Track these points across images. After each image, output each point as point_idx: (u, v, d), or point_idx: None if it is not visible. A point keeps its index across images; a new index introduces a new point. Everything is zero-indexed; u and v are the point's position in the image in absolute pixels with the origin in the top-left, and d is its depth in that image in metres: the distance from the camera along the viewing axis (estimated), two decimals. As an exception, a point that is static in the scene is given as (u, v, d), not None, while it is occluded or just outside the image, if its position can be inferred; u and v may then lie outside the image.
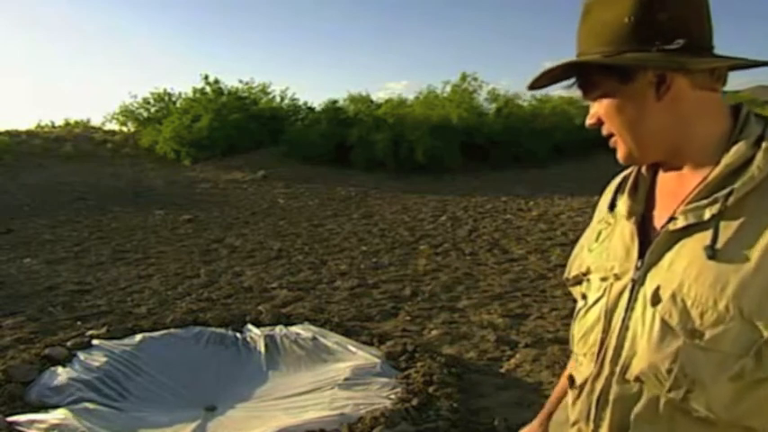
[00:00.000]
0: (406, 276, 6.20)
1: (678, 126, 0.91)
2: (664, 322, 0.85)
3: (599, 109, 0.93)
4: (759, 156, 0.83)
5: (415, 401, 3.17)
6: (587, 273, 1.04)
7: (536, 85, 0.95)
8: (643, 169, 1.01)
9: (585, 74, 0.92)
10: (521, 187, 13.01)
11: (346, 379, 3.50)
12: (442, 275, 6.20)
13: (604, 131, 0.95)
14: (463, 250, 7.41)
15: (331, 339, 4.08)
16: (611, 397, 0.90)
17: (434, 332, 4.47)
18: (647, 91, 0.89)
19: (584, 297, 1.02)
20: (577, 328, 1.02)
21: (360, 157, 15.79)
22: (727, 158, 0.85)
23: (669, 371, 0.83)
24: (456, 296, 5.46)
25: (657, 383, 0.85)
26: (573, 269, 1.12)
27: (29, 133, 19.02)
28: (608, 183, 1.11)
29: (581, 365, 0.99)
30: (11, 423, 2.97)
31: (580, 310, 1.02)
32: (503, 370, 3.81)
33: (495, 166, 15.82)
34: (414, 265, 6.70)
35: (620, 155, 0.95)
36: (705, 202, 0.85)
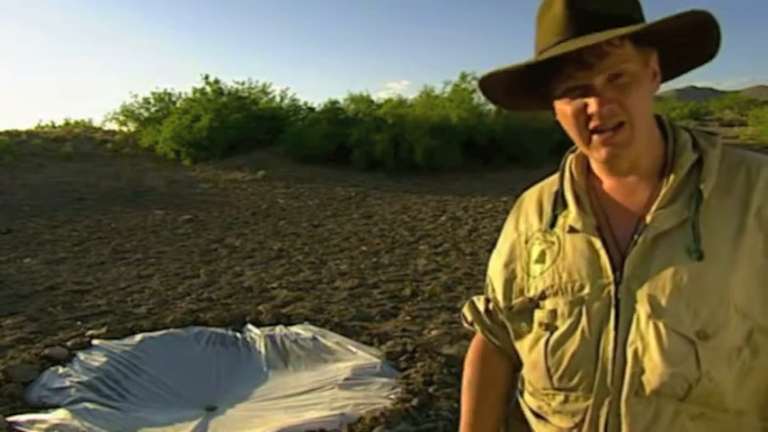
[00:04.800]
0: (406, 276, 6.20)
1: (652, 123, 0.92)
2: (672, 331, 0.82)
3: (615, 92, 0.84)
4: (710, 159, 0.87)
5: (415, 401, 3.17)
6: (542, 298, 0.94)
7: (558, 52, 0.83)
8: (578, 179, 0.97)
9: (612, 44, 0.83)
10: (521, 187, 12.91)
11: (346, 379, 3.50)
12: (442, 275, 6.19)
13: (612, 118, 0.84)
14: (463, 250, 7.40)
15: (331, 339, 4.08)
16: (625, 419, 0.85)
17: (434, 332, 4.47)
18: (649, 77, 0.88)
19: (548, 327, 0.93)
20: (554, 362, 0.92)
21: (360, 157, 15.79)
22: (682, 163, 0.87)
23: (697, 378, 0.81)
24: (456, 296, 5.46)
25: (679, 393, 0.82)
26: (514, 296, 1.00)
27: (29, 133, 19.03)
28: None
29: (568, 401, 0.92)
30: (11, 423, 2.97)
31: (547, 341, 0.92)
32: (503, 370, 3.81)
33: (495, 166, 15.81)
34: (414, 265, 6.70)
35: (618, 145, 0.86)
36: (676, 205, 0.85)
